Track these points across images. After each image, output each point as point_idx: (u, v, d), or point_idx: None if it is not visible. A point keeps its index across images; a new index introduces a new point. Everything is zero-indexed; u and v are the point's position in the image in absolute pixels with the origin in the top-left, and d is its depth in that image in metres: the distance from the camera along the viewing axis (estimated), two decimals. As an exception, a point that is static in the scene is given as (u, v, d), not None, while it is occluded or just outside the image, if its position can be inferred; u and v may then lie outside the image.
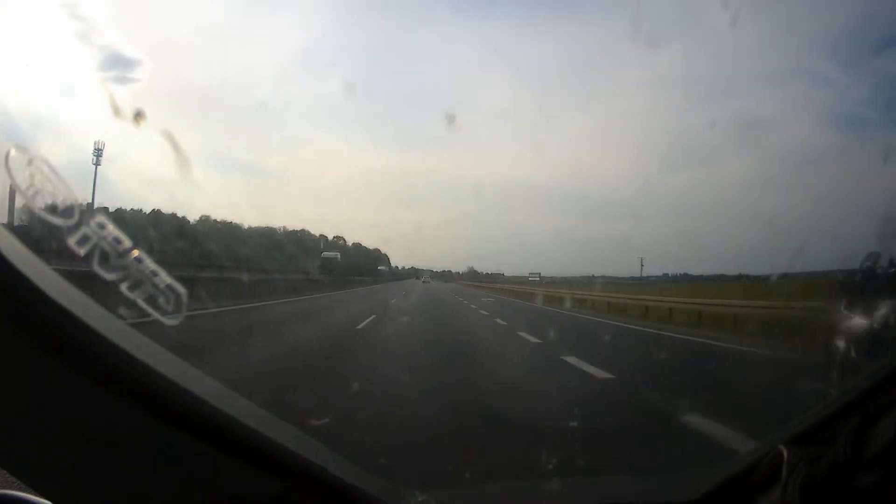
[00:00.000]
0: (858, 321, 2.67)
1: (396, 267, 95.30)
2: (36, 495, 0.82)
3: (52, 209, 0.71)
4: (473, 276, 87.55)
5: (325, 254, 59.18)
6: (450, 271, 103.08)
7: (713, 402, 4.62)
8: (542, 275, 64.52)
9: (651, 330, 12.84)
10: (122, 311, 0.78)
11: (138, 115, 1.68)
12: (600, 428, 3.94)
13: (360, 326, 11.66)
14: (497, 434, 3.84)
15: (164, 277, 0.84)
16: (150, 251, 0.81)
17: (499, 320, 14.47)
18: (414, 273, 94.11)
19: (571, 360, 7.08)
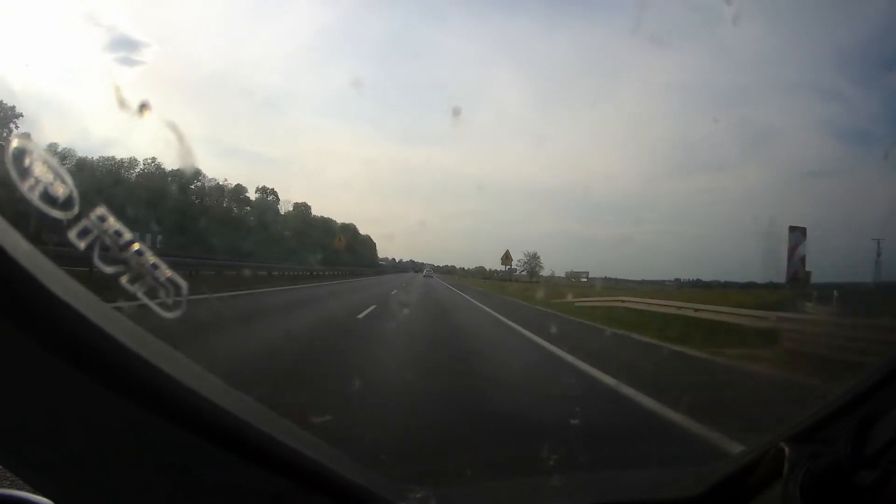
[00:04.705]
0: None
1: (394, 259, 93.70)
2: (37, 494, 0.81)
3: (52, 201, 0.70)
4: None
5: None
6: (454, 266, 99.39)
7: None
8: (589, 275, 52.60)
9: None
10: (121, 303, 0.78)
11: (143, 107, 1.67)
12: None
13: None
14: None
15: (165, 270, 0.84)
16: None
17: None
18: (413, 266, 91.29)
19: None
